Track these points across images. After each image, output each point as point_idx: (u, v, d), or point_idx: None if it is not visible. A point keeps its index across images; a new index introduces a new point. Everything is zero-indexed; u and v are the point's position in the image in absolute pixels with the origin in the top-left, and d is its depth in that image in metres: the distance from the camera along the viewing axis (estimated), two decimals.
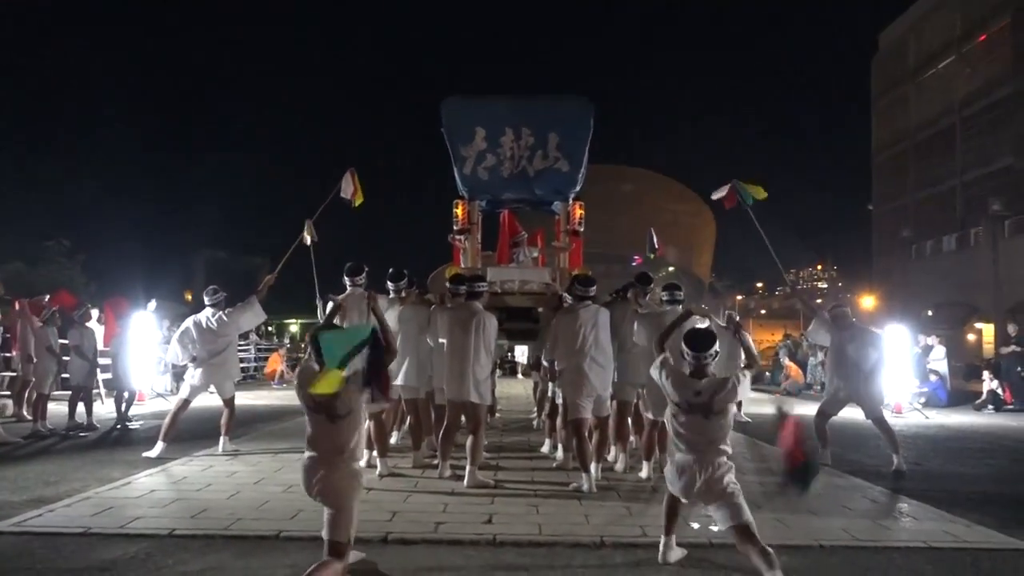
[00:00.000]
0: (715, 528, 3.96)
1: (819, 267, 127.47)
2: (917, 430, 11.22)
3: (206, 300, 7.90)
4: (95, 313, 11.60)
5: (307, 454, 3.78)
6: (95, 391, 10.84)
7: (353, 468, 3.79)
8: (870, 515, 5.56)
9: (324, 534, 3.65)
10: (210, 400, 8.44)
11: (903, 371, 13.39)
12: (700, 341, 4.06)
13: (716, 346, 4.07)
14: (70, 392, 10.13)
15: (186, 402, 7.79)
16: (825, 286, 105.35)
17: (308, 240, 8.33)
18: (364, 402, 3.79)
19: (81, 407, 9.90)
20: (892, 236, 36.19)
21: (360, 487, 3.85)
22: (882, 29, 39.22)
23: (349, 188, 8.21)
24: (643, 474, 6.67)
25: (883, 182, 38.73)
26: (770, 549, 3.71)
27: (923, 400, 14.17)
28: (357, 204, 8.27)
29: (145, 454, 7.39)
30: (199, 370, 7.73)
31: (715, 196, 8.84)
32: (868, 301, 33.62)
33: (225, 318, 7.78)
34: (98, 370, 11.00)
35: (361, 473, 3.90)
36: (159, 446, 7.43)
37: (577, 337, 6.39)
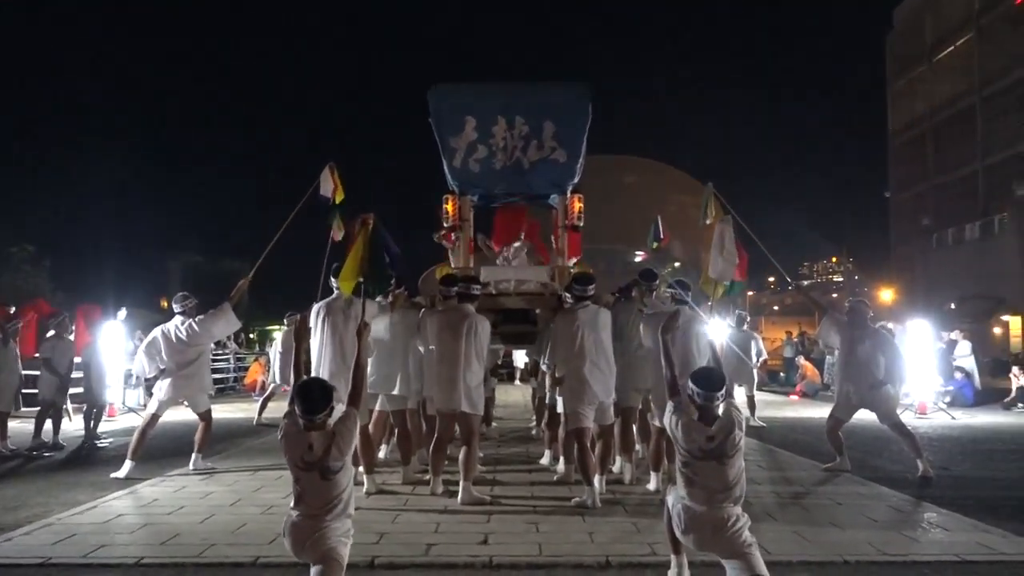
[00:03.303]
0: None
1: (834, 259, 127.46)
2: (943, 432, 11.13)
3: (175, 307, 7.79)
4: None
5: (295, 513, 3.65)
6: (63, 407, 10.70)
7: (348, 523, 3.73)
8: (896, 526, 5.45)
9: None
10: (187, 415, 8.32)
11: (926, 369, 13.32)
12: (711, 380, 3.85)
13: (726, 386, 3.90)
14: (38, 409, 9.99)
15: (155, 417, 7.67)
16: (841, 279, 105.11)
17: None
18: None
19: (48, 425, 9.77)
20: (911, 225, 36.17)
21: (351, 537, 3.78)
22: (896, 5, 39.08)
23: (329, 185, 8.02)
24: (651, 486, 6.57)
25: (900, 168, 38.68)
26: None
27: (948, 399, 14.07)
28: (338, 201, 8.09)
29: (113, 475, 7.29)
30: (168, 383, 7.60)
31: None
32: (887, 295, 33.61)
33: (196, 327, 7.62)
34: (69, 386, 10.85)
35: (351, 524, 3.82)
36: (127, 465, 7.32)
37: (575, 340, 6.29)
